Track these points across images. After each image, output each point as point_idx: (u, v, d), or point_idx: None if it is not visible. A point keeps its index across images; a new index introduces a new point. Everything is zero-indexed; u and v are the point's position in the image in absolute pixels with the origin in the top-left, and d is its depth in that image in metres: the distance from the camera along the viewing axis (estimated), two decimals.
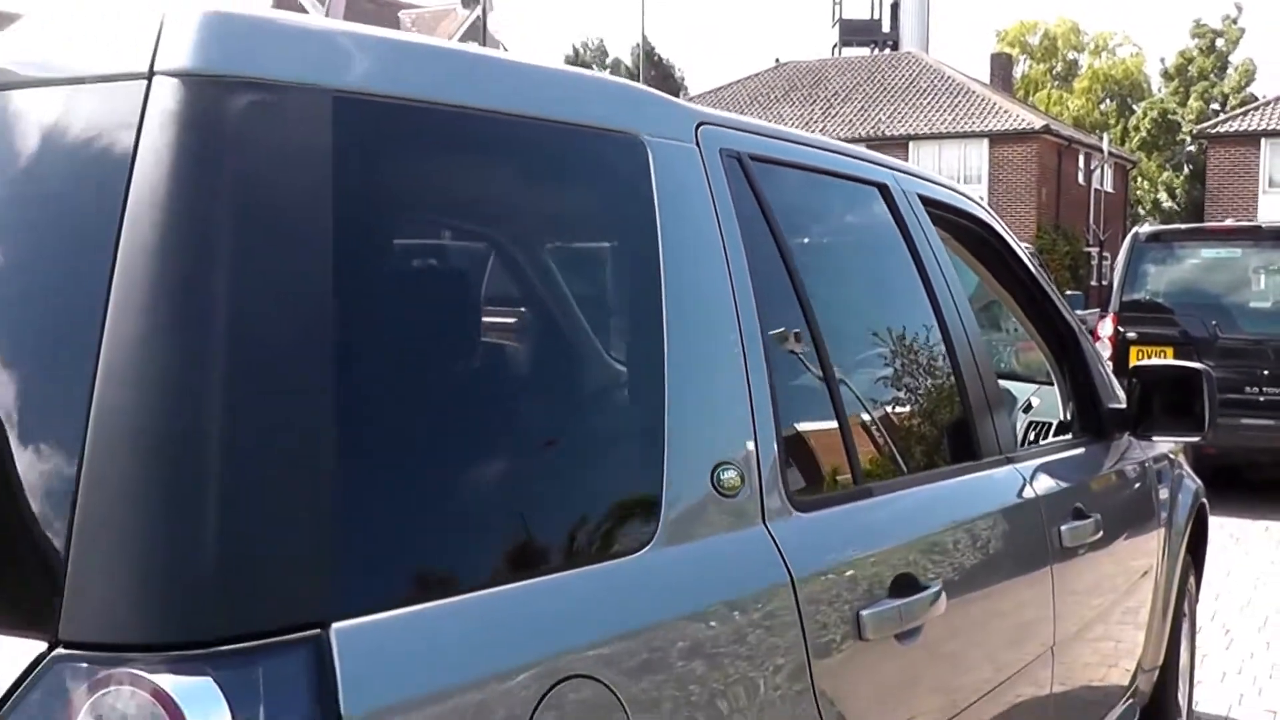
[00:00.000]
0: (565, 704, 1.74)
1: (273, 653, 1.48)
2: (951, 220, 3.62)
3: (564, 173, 2.20)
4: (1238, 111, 47.70)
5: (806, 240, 2.87)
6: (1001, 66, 62.42)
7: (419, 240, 2.03)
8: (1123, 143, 64.50)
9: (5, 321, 1.68)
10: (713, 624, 2.08)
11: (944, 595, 2.68)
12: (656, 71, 76.45)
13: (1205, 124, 49.75)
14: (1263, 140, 42.18)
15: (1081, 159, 50.62)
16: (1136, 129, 70.89)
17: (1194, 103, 69.30)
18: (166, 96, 1.61)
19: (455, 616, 1.69)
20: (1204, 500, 5.04)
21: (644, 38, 48.41)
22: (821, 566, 2.38)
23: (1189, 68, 71.67)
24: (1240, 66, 71.35)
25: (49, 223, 1.70)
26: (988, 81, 56.08)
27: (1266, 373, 10.89)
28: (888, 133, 47.51)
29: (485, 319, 2.08)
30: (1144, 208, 66.93)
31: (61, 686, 1.44)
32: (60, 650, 1.46)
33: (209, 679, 1.43)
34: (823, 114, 51.00)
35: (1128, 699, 4.28)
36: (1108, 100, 77.35)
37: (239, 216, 1.59)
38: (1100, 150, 49.84)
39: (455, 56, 2.03)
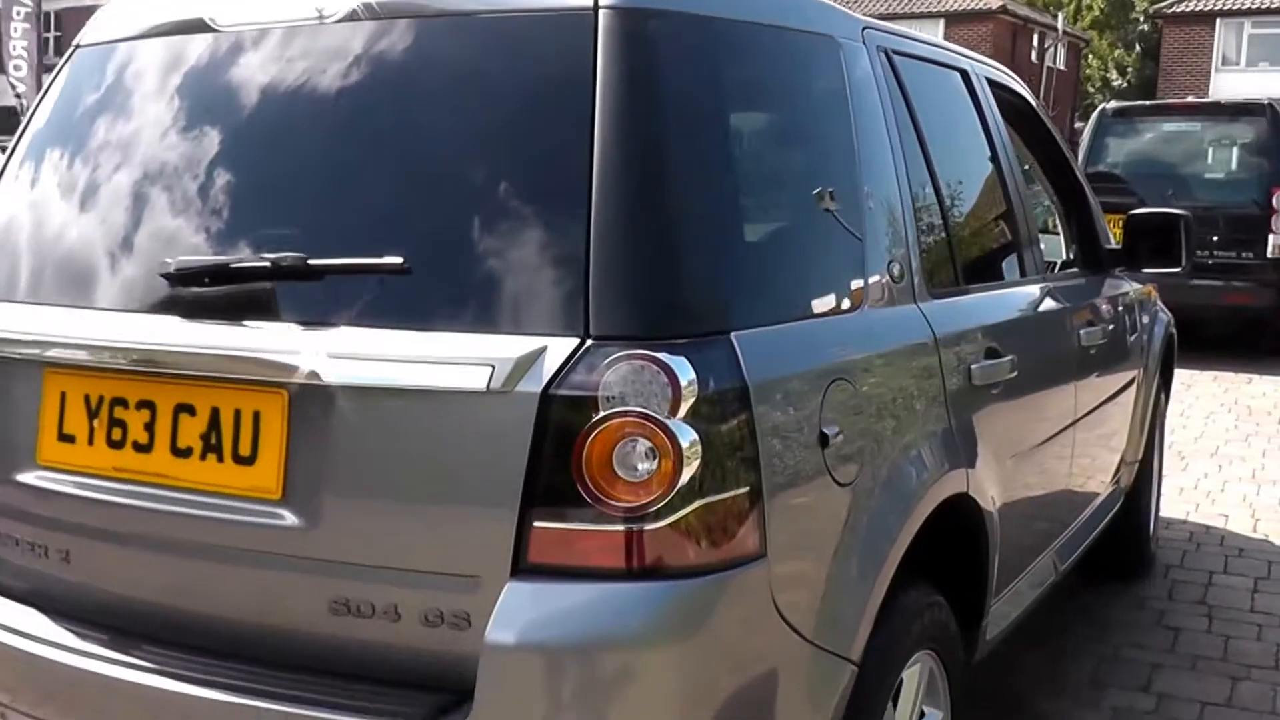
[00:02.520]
0: (832, 391, 2.71)
1: (710, 344, 2.42)
2: (1004, 97, 4.53)
3: (808, 62, 3.13)
4: None
5: (926, 110, 3.74)
6: None
7: (747, 112, 2.95)
8: (1075, 21, 64.89)
9: (520, 171, 2.55)
10: (892, 357, 3.09)
11: (1015, 361, 3.65)
12: None
13: (1160, 3, 50.48)
14: (1217, 20, 43.16)
15: (1036, 38, 51.31)
16: (1089, 7, 71.21)
17: None
18: (613, 22, 2.52)
19: (787, 335, 2.67)
20: (1173, 330, 6.01)
21: None
22: (948, 332, 3.34)
23: None
24: None
25: (517, 123, 2.60)
26: None
27: (1216, 238, 11.81)
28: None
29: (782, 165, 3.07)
30: (1094, 86, 67.55)
31: (593, 362, 2.33)
32: (590, 342, 2.35)
33: (682, 355, 2.34)
34: None
35: (1115, 481, 5.25)
36: None
37: (665, 95, 2.56)
38: (1055, 29, 50.53)
39: None
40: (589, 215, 2.39)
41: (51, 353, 2.86)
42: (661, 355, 2.32)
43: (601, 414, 2.30)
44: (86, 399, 2.79)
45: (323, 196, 2.74)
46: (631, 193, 2.43)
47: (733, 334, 2.47)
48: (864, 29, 3.38)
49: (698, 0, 2.72)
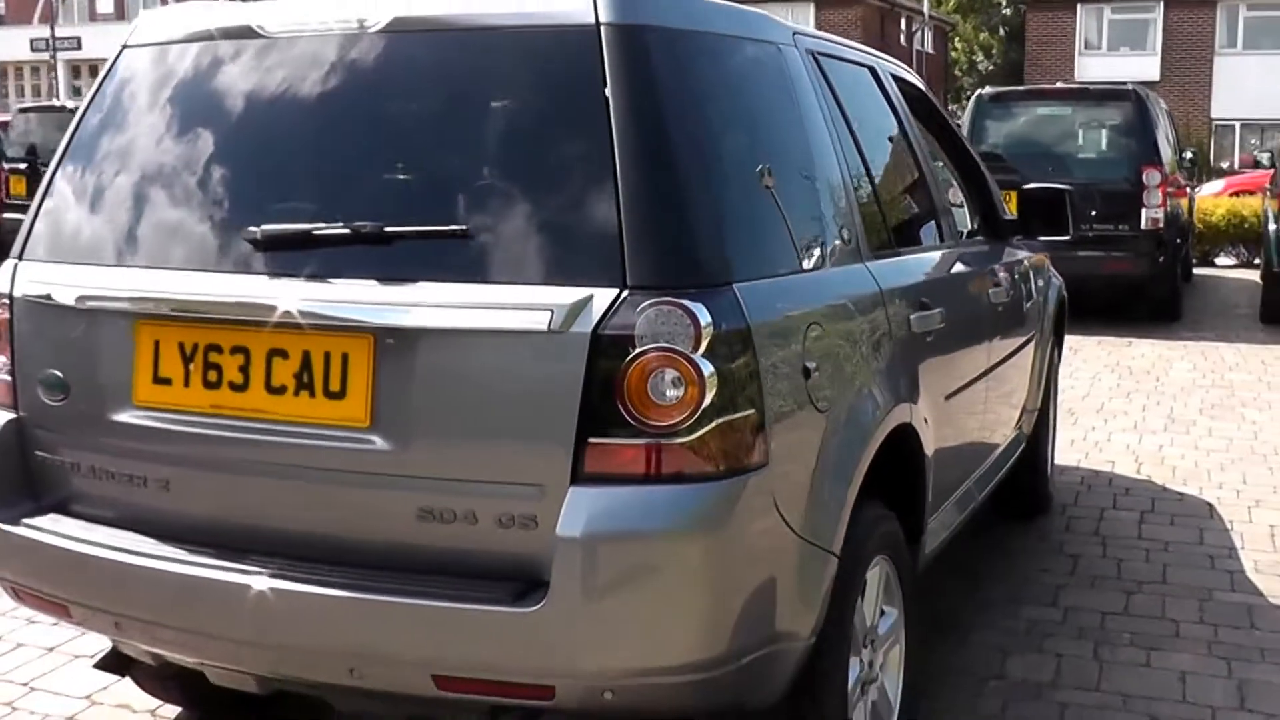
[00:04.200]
0: (810, 332, 3.32)
1: (720, 292, 3.01)
2: (906, 88, 5.18)
3: (761, 64, 3.75)
4: None
5: (848, 101, 4.34)
6: None
7: (724, 106, 3.51)
8: (939, 5, 66.10)
9: (554, 156, 3.15)
10: (850, 307, 3.69)
11: (943, 314, 4.30)
12: None
13: None
14: (1079, 6, 44.59)
15: (903, 22, 52.52)
16: None
17: None
18: (613, 34, 3.13)
19: (774, 287, 3.27)
20: (1065, 294, 6.75)
21: None
22: (890, 287, 3.96)
23: None
24: None
25: (542, 115, 3.21)
26: None
27: (1094, 212, 12.61)
28: None
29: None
30: (961, 69, 68.95)
31: (632, 308, 2.91)
32: (627, 293, 2.93)
33: (700, 302, 2.93)
34: None
35: (1018, 427, 5.94)
36: None
37: (663, 91, 3.18)
38: (921, 14, 51.74)
39: (715, 6, 3.57)
40: (617, 191, 2.99)
41: (145, 307, 3.34)
42: (684, 301, 2.92)
43: (639, 349, 2.91)
44: (181, 346, 3.29)
45: (389, 176, 3.32)
46: (648, 171, 3.03)
47: (735, 285, 3.07)
48: (794, 34, 4.01)
49: (678, 17, 3.34)
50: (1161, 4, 43.64)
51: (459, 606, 2.97)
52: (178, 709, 4.42)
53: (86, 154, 3.68)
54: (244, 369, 3.22)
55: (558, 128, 3.17)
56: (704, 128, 3.26)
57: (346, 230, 3.15)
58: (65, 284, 3.48)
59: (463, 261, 3.08)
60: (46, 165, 3.78)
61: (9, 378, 3.58)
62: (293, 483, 3.22)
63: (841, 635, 3.43)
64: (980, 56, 70.86)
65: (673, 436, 2.91)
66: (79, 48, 52.51)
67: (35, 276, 3.56)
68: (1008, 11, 65.07)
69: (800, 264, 3.51)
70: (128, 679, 4.36)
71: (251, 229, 3.24)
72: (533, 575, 2.96)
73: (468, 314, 3.01)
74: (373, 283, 3.11)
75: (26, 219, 3.71)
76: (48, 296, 3.50)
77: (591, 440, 2.93)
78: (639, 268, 2.95)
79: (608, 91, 3.07)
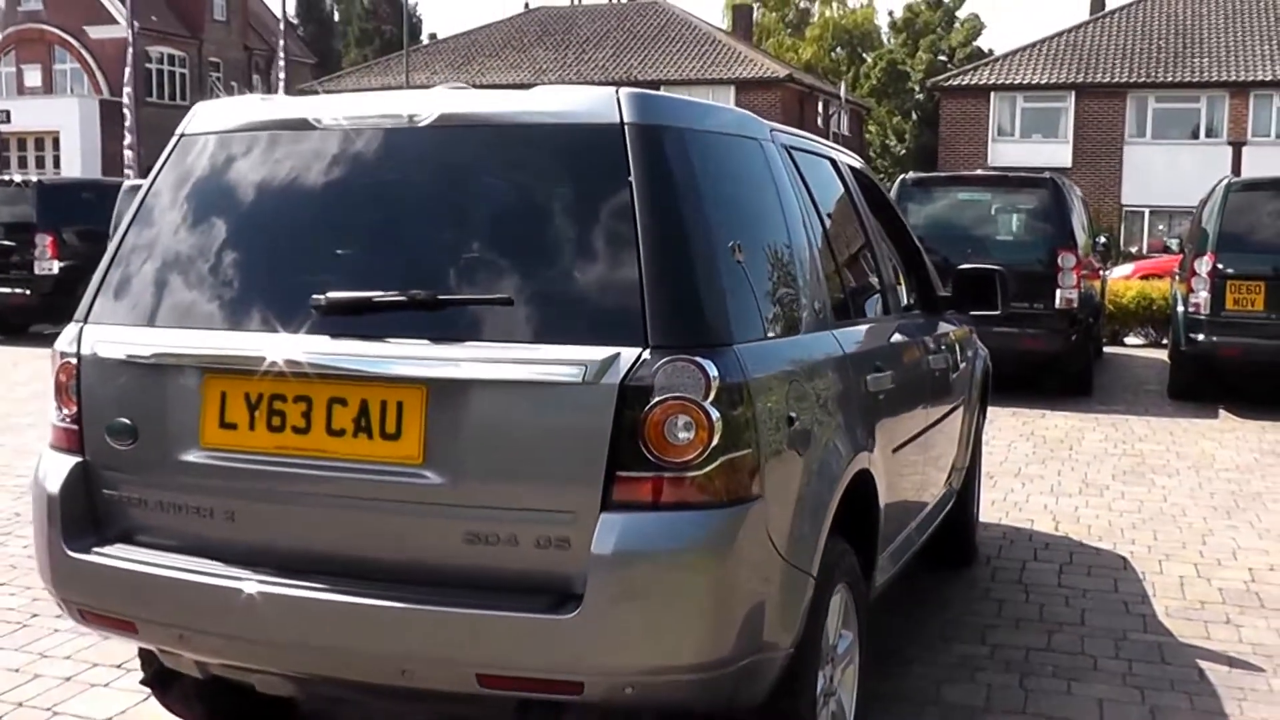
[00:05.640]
0: (792, 387, 3.88)
1: (724, 352, 3.54)
2: (860, 179, 5.78)
3: (750, 158, 4.30)
4: (969, 67, 51.55)
5: (815, 189, 4.88)
6: (743, 17, 65.39)
7: (724, 193, 4.02)
8: (854, 89, 67.23)
9: (586, 235, 3.65)
10: (822, 367, 4.23)
11: (893, 376, 4.87)
12: (390, 8, 76.60)
13: (936, 76, 53.24)
14: (992, 94, 45.98)
15: (821, 105, 53.72)
16: (868, 77, 73.93)
17: (923, 54, 72.78)
18: (635, 132, 3.68)
19: (763, 349, 3.78)
20: (989, 363, 7.38)
21: None
22: (850, 351, 4.52)
23: (916, 21, 75.20)
24: (966, 22, 75.43)
25: (573, 199, 3.74)
26: (730, 31, 58.75)
27: (1012, 292, 13.25)
28: (640, 77, 49.44)
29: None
30: (875, 151, 70.25)
31: (652, 364, 3.43)
32: (649, 351, 3.45)
33: (709, 359, 3.47)
34: (576, 59, 52.81)
35: (948, 484, 6.52)
36: (838, 49, 79.83)
37: (676, 176, 3.70)
38: (838, 97, 52.93)
39: (713, 108, 4.17)
40: (640, 264, 3.54)
41: (214, 363, 3.81)
42: (697, 358, 3.48)
43: (658, 398, 3.45)
44: (247, 396, 3.77)
45: (439, 251, 3.84)
46: (666, 249, 3.58)
47: (735, 346, 3.61)
48: (771, 131, 4.59)
49: (685, 118, 3.93)
50: (1073, 94, 45.11)
51: (504, 615, 3.47)
52: None
53: (148, 231, 4.15)
54: (306, 415, 3.70)
55: (587, 210, 3.70)
56: (709, 211, 3.79)
57: (404, 297, 3.66)
58: (135, 343, 3.96)
59: (506, 324, 3.60)
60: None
61: (75, 426, 4.05)
62: (350, 512, 3.69)
63: (814, 648, 3.96)
64: (893, 140, 72.31)
65: (686, 471, 3.45)
66: (8, 120, 52.51)
67: (102, 337, 4.04)
68: (920, 96, 66.56)
69: (783, 330, 4.07)
70: (148, 704, 4.85)
71: (316, 296, 3.71)
72: (564, 589, 3.47)
73: (512, 368, 3.53)
74: (426, 342, 3.62)
75: (90, 288, 4.19)
76: (118, 355, 3.98)
77: (619, 474, 3.46)
78: (658, 330, 3.49)
79: (631, 179, 3.62)
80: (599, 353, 3.48)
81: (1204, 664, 5.76)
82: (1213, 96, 44.00)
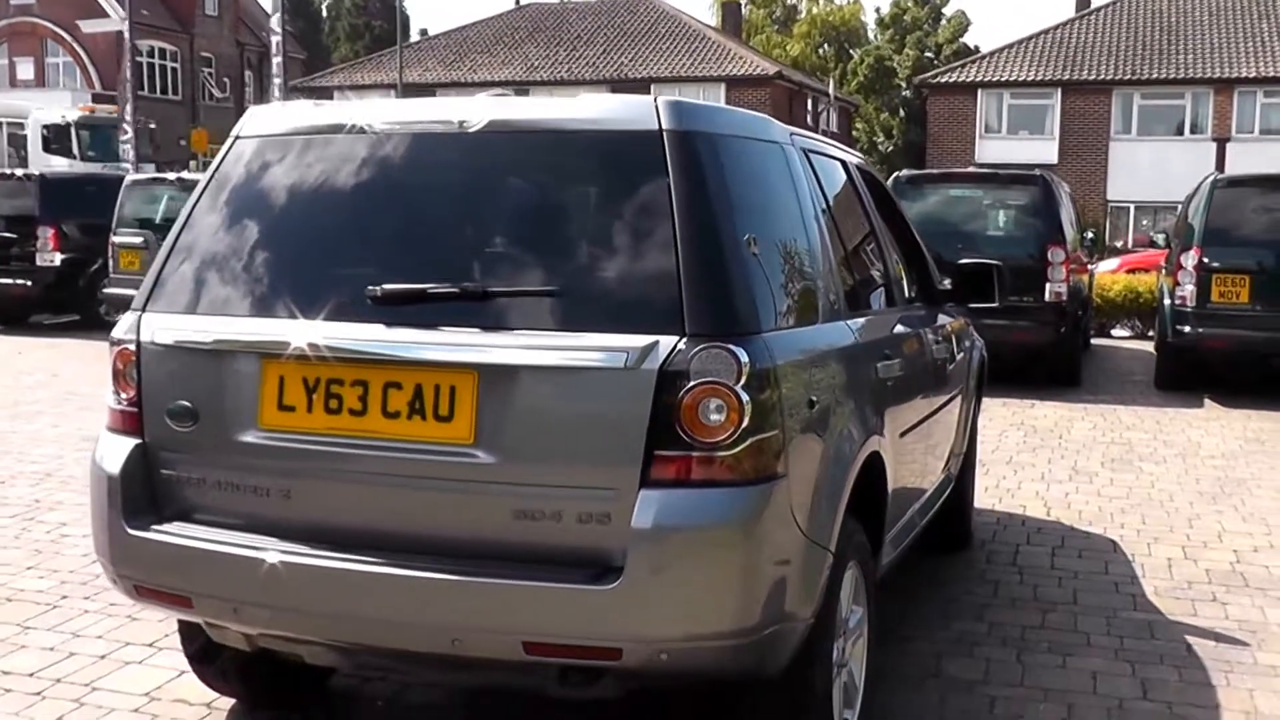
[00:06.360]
0: (812, 373, 4.16)
1: (753, 339, 3.79)
2: (868, 178, 6.06)
3: (773, 160, 4.55)
4: (957, 64, 51.75)
5: (829, 189, 5.15)
6: (732, 14, 65.49)
7: (752, 193, 4.29)
8: (841, 86, 67.29)
9: (613, 239, 3.93)
10: (838, 355, 4.49)
11: (900, 364, 5.12)
12: (380, 4, 76.67)
13: (924, 73, 53.54)
14: (979, 91, 46.39)
15: (810, 102, 53.94)
16: (855, 74, 74.03)
17: (909, 51, 73.05)
18: (673, 139, 3.94)
19: (787, 337, 4.04)
20: (985, 353, 7.65)
21: None
22: (863, 340, 4.80)
23: (903, 17, 75.42)
24: (953, 18, 75.79)
25: (614, 200, 4.03)
26: (719, 27, 58.93)
27: None
28: (630, 75, 49.91)
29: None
30: (862, 147, 70.43)
31: (689, 351, 3.67)
32: (685, 339, 3.69)
33: (741, 346, 3.71)
34: (567, 56, 53.00)
35: (946, 470, 6.77)
36: (826, 46, 79.99)
37: (710, 178, 3.96)
38: (827, 95, 53.23)
39: (741, 115, 4.44)
40: (678, 259, 3.79)
41: (272, 349, 4.01)
42: (730, 345, 3.73)
43: (693, 382, 3.70)
44: (304, 380, 4.00)
45: (489, 247, 4.11)
46: (702, 245, 3.83)
47: (763, 334, 3.87)
48: (791, 135, 4.86)
49: (718, 124, 4.20)
50: (1059, 90, 45.54)
51: (550, 585, 3.72)
52: (232, 701, 5.07)
53: (205, 226, 4.39)
54: (362, 398, 3.94)
55: (627, 209, 3.96)
56: (739, 211, 4.05)
57: (456, 289, 3.91)
58: (195, 330, 4.20)
59: (551, 314, 3.86)
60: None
61: (135, 409, 4.28)
62: (403, 489, 3.92)
63: (830, 621, 4.21)
64: (881, 136, 72.51)
65: (718, 450, 3.71)
66: None
67: (162, 325, 4.27)
68: (908, 93, 66.76)
69: (803, 319, 4.32)
70: (182, 680, 5.13)
71: (372, 288, 3.94)
72: (605, 561, 3.72)
73: (558, 354, 3.78)
74: (477, 331, 3.86)
75: (147, 279, 4.42)
76: (178, 341, 4.21)
77: (656, 453, 3.71)
78: (694, 319, 3.74)
79: (669, 181, 3.88)
80: (639, 340, 3.73)
81: (1192, 640, 6.04)
82: (1197, 93, 44.43)
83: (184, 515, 4.21)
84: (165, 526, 4.18)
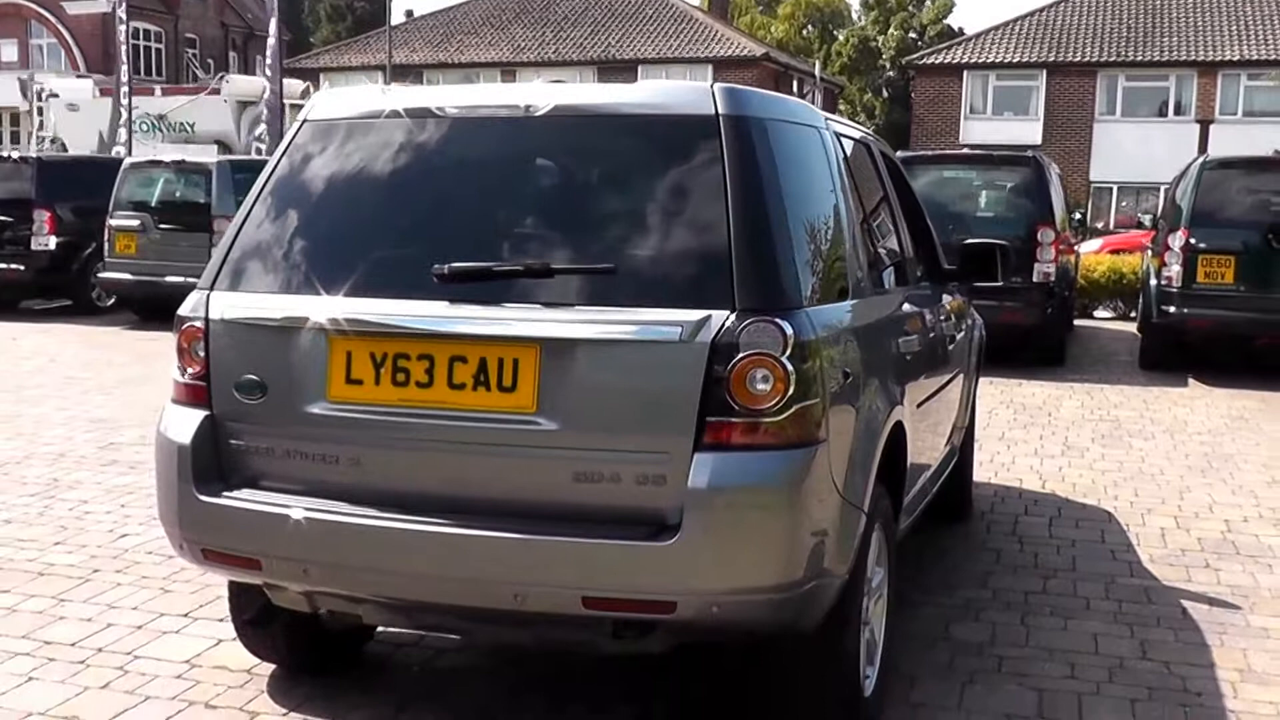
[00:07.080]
0: (846, 346, 4.40)
1: (796, 314, 4.02)
2: (888, 161, 6.34)
3: (813, 143, 4.81)
4: (942, 45, 52.01)
5: (856, 170, 5.41)
6: None
7: (797, 175, 4.53)
8: (825, 67, 67.33)
9: (683, 212, 4.17)
10: (866, 329, 4.74)
11: (918, 339, 5.38)
12: None
13: (908, 54, 53.73)
14: (965, 72, 46.62)
15: (795, 84, 54.03)
16: (839, 54, 74.18)
17: (894, 31, 73.20)
18: (729, 122, 4.18)
19: (825, 311, 4.27)
20: (984, 331, 7.89)
21: None
22: (886, 316, 5.11)
23: None
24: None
25: (670, 181, 4.24)
26: (706, 9, 58.97)
27: None
28: (618, 56, 49.95)
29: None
30: None
31: (739, 324, 3.91)
32: (736, 313, 3.93)
33: (786, 320, 3.95)
34: (554, 37, 52.95)
35: (950, 443, 7.02)
36: (810, 26, 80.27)
37: (760, 162, 4.21)
38: (813, 76, 53.32)
39: (786, 101, 4.70)
40: (730, 238, 4.04)
41: (340, 325, 4.22)
42: (776, 319, 3.96)
43: (742, 354, 3.95)
44: (372, 355, 4.20)
45: (550, 226, 4.35)
46: (753, 224, 4.08)
47: (805, 309, 4.10)
48: (826, 119, 5.11)
49: (768, 110, 4.45)
50: (1044, 72, 45.80)
51: (609, 543, 3.97)
52: (272, 667, 5.27)
53: (272, 207, 4.60)
54: (429, 371, 4.16)
55: (682, 190, 4.20)
56: (785, 192, 4.28)
57: (519, 266, 4.16)
58: (264, 308, 4.41)
59: (609, 290, 4.09)
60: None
61: (203, 383, 4.49)
62: (469, 456, 4.15)
63: (860, 578, 4.48)
64: (864, 117, 72.58)
65: (764, 417, 3.96)
66: None
67: (231, 303, 4.48)
68: (892, 74, 66.88)
69: (837, 295, 4.57)
70: (219, 648, 5.37)
71: (438, 266, 4.15)
72: (660, 520, 3.97)
73: (616, 328, 4.03)
74: (539, 306, 4.11)
75: (215, 258, 4.63)
76: (247, 318, 4.43)
77: (709, 419, 3.96)
78: (745, 295, 3.99)
79: (724, 164, 4.13)
80: (693, 315, 3.97)
81: (1187, 603, 6.33)
82: (1181, 75, 44.69)
83: (251, 482, 4.42)
84: (235, 493, 4.40)
